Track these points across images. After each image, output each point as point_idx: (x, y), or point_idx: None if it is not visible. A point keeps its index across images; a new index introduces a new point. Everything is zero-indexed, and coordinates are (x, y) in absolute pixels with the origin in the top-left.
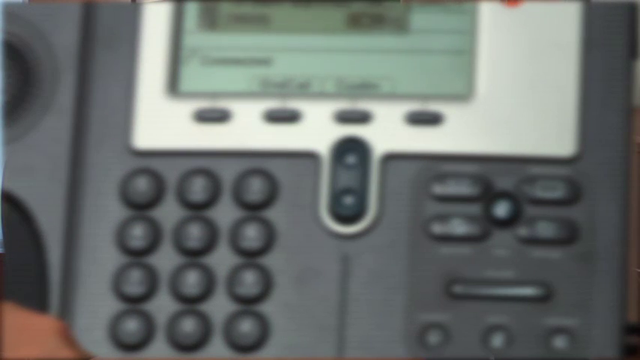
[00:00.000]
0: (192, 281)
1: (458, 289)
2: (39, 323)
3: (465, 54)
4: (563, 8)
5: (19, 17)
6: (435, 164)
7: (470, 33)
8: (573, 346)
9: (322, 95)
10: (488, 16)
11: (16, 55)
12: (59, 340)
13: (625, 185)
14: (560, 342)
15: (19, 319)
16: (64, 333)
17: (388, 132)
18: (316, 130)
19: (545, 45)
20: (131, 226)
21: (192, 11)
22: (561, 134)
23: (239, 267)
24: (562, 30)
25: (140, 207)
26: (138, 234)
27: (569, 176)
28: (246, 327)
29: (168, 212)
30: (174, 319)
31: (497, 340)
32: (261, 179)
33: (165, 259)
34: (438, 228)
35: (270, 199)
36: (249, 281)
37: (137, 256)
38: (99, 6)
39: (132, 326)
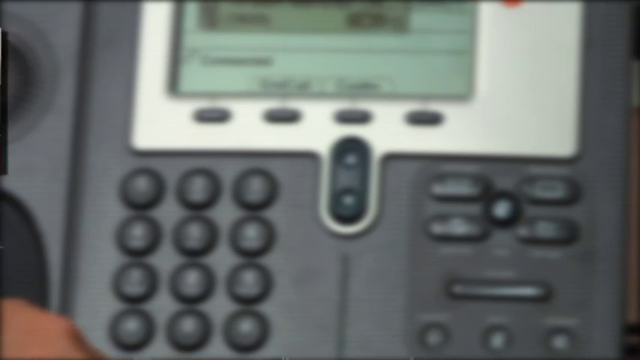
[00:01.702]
0: (192, 281)
1: (458, 289)
2: (48, 323)
3: (465, 54)
4: (563, 8)
5: (19, 17)
6: (435, 164)
7: (470, 33)
8: (573, 346)
9: (322, 95)
10: (488, 16)
11: (16, 55)
12: (69, 342)
13: (625, 185)
14: (560, 342)
15: (27, 319)
16: (74, 334)
17: (388, 132)
18: (316, 130)
19: (545, 45)
20: (131, 226)
21: (192, 11)
22: (561, 134)
23: (239, 267)
24: (562, 30)
25: (140, 207)
26: (138, 234)
27: (569, 176)
28: (246, 327)
29: (168, 212)
30: (174, 319)
31: (497, 340)
32: (261, 179)
33: (165, 259)
34: (438, 228)
35: (270, 199)
36: (249, 281)
37: (137, 256)
38: (99, 6)
39: (132, 326)
